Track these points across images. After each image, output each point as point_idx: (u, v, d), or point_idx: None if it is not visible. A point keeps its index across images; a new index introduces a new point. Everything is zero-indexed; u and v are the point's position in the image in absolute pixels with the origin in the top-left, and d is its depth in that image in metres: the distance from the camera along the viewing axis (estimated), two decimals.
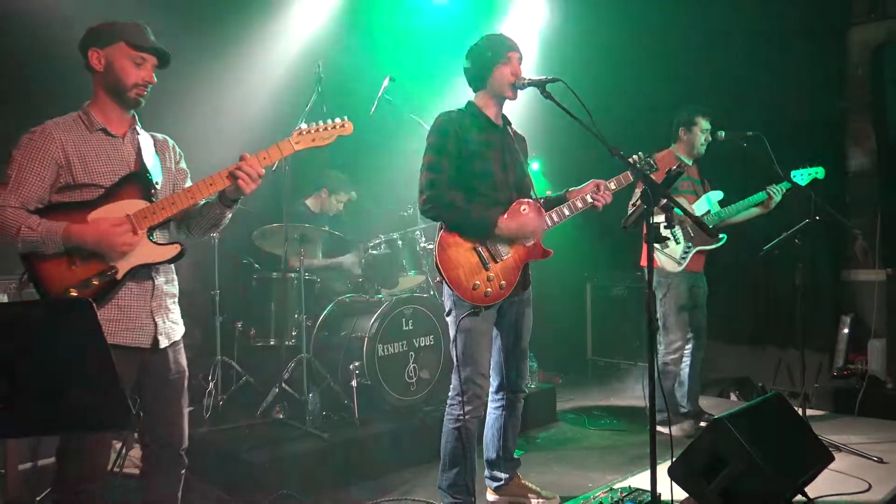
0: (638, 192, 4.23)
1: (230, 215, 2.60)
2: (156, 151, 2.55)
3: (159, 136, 2.63)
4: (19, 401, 1.70)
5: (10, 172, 2.30)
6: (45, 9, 4.35)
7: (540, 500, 3.47)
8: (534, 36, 6.71)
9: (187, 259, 2.47)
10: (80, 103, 2.47)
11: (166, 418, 2.51)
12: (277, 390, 4.31)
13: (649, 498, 2.65)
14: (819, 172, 4.42)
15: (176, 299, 2.59)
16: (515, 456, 3.55)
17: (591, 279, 6.91)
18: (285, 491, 3.49)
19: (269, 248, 4.89)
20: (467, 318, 3.05)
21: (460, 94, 3.35)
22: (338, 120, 2.59)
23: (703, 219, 4.39)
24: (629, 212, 3.85)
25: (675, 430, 4.45)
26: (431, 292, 4.92)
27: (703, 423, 4.56)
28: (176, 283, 2.60)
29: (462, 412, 3.09)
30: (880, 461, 3.86)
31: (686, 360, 4.62)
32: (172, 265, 2.55)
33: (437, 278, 3.09)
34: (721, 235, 4.46)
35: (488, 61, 3.16)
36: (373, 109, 4.80)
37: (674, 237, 4.47)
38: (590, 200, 3.17)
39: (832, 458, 3.21)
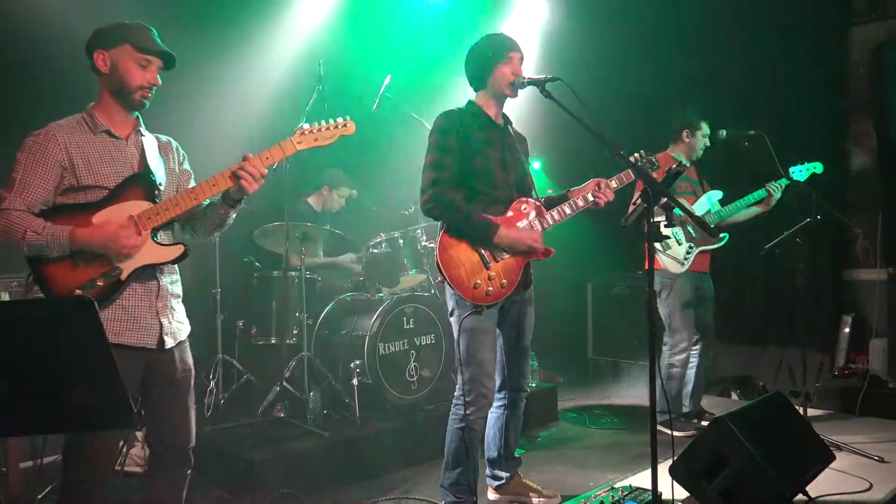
0: (638, 193, 4.24)
1: (234, 215, 2.60)
2: (159, 153, 2.56)
3: (163, 137, 2.63)
4: (20, 399, 1.70)
5: (15, 175, 2.31)
6: (47, 9, 4.35)
7: (541, 499, 3.47)
8: (534, 35, 6.71)
9: (189, 258, 2.48)
10: (84, 105, 2.47)
11: (173, 417, 2.52)
12: (278, 389, 4.32)
13: (650, 497, 2.65)
14: (817, 167, 4.42)
15: (180, 299, 2.60)
16: (516, 455, 3.56)
17: (593, 278, 6.91)
18: (286, 489, 3.50)
19: (270, 246, 4.90)
20: (470, 317, 3.05)
21: (461, 93, 3.35)
22: (340, 119, 2.60)
23: (703, 219, 4.38)
24: (629, 211, 3.85)
25: (677, 429, 4.45)
26: (432, 291, 4.92)
27: (704, 423, 4.57)
28: (179, 283, 2.60)
29: (466, 412, 3.09)
30: (881, 460, 3.86)
31: (693, 361, 4.62)
32: (176, 266, 2.55)
33: (439, 278, 3.09)
34: (723, 235, 4.46)
35: (489, 61, 3.16)
36: (374, 108, 4.80)
37: (675, 238, 4.48)
38: (591, 199, 3.17)
39: (833, 458, 3.21)
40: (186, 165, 2.68)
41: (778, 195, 4.44)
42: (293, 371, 4.44)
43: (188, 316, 2.64)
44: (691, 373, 4.62)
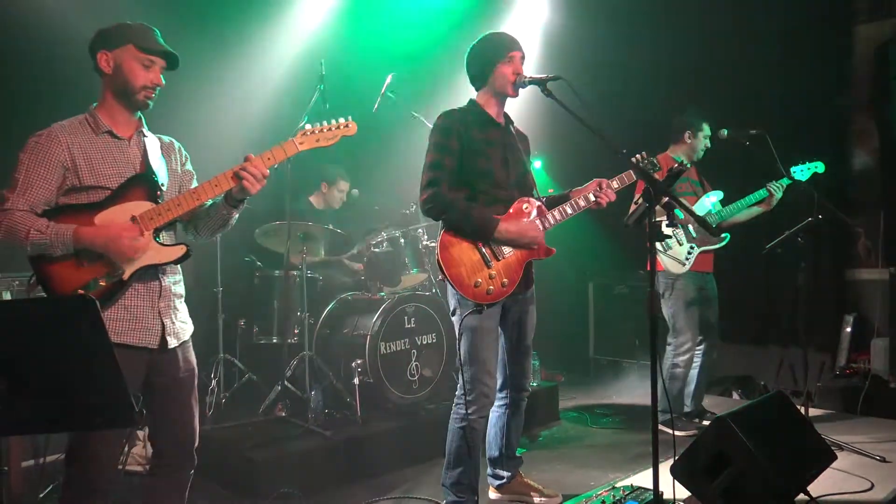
0: (640, 193, 4.24)
1: (237, 215, 2.60)
2: (162, 153, 2.56)
3: (165, 138, 2.64)
4: (23, 398, 1.70)
5: (18, 175, 2.31)
6: (48, 10, 4.36)
7: (542, 499, 3.47)
8: (536, 34, 6.71)
9: (190, 257, 2.48)
10: (86, 106, 2.47)
11: (176, 417, 2.52)
12: (280, 388, 4.32)
13: (651, 496, 2.65)
14: (819, 167, 4.42)
15: (183, 299, 2.60)
16: (518, 454, 3.56)
17: (594, 278, 6.90)
18: (287, 489, 3.50)
19: (271, 245, 4.90)
20: (471, 316, 3.05)
21: (462, 92, 3.35)
22: (342, 120, 2.60)
23: (704, 218, 4.38)
24: (631, 210, 3.85)
25: (678, 428, 4.45)
26: (434, 290, 4.92)
27: (705, 422, 4.56)
28: (182, 283, 2.61)
29: (468, 411, 3.10)
30: (883, 460, 3.86)
31: (697, 361, 4.62)
32: (179, 266, 2.55)
33: (440, 276, 3.09)
34: (724, 235, 4.46)
35: (490, 60, 3.15)
36: (375, 107, 4.80)
37: (676, 239, 4.47)
38: (592, 198, 3.17)
39: (835, 457, 3.21)
40: (189, 166, 2.69)
41: (779, 195, 4.43)
42: (294, 370, 4.45)
43: (190, 315, 2.64)
44: (694, 373, 4.62)
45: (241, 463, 3.72)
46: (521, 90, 3.16)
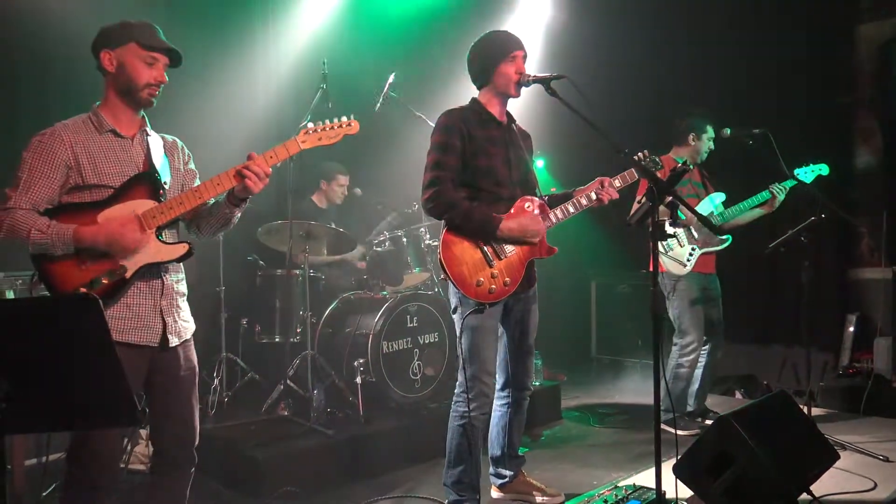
0: (642, 192, 4.23)
1: (239, 214, 2.60)
2: (165, 152, 2.56)
3: (168, 137, 2.64)
4: (26, 397, 1.71)
5: (21, 174, 2.31)
6: (50, 11, 4.36)
7: (545, 498, 3.47)
8: (539, 32, 6.71)
9: (193, 256, 2.48)
10: (91, 105, 2.47)
11: (177, 415, 2.52)
12: (282, 387, 4.32)
13: (654, 496, 2.65)
14: (823, 169, 4.42)
15: (185, 297, 2.60)
16: (520, 453, 3.56)
17: (596, 277, 6.90)
18: (290, 487, 3.50)
19: (274, 244, 4.90)
20: (472, 315, 3.05)
21: (465, 91, 3.35)
22: (344, 119, 2.60)
23: (708, 218, 4.37)
24: (633, 209, 3.83)
25: (681, 428, 4.45)
26: (436, 289, 4.92)
27: (708, 421, 4.56)
28: (184, 281, 2.61)
29: (467, 409, 3.10)
30: (886, 460, 3.86)
31: (702, 361, 4.61)
32: (181, 264, 2.55)
33: (442, 275, 3.08)
34: (726, 237, 4.46)
35: (492, 59, 3.14)
36: (377, 106, 4.80)
37: (678, 240, 4.47)
38: (594, 197, 3.17)
39: (837, 457, 3.21)
40: (192, 165, 2.69)
41: (781, 197, 4.43)
42: (297, 369, 4.45)
43: (193, 314, 2.64)
44: (698, 372, 4.62)
45: (243, 462, 3.72)
46: (523, 89, 3.16)
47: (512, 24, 6.42)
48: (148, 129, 2.54)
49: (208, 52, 5.16)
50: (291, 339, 4.65)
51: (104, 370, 1.73)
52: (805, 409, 3.88)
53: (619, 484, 3.21)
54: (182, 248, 2.46)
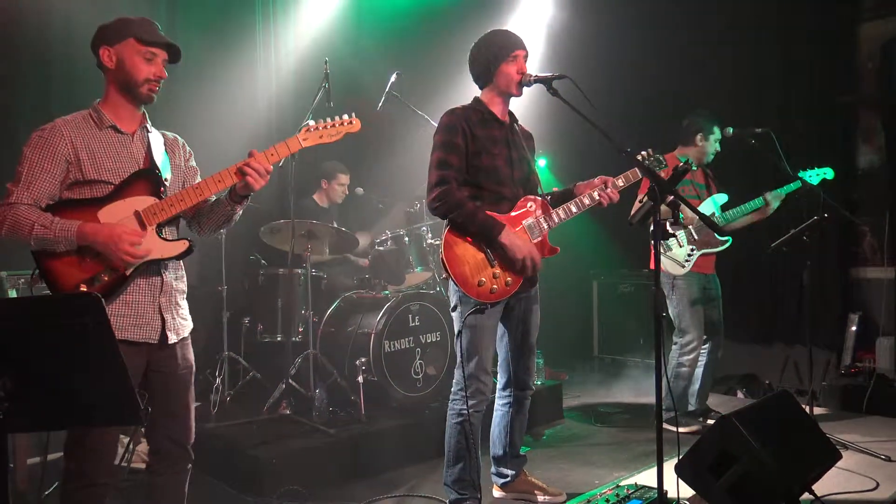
0: (644, 191, 4.23)
1: (240, 211, 2.60)
2: (165, 149, 2.56)
3: (169, 134, 2.64)
4: (29, 395, 1.71)
5: (21, 170, 2.31)
6: (52, 9, 4.37)
7: (546, 497, 3.47)
8: (541, 32, 6.70)
9: (195, 255, 2.48)
10: (90, 102, 2.48)
11: (174, 413, 2.52)
12: (284, 386, 4.32)
13: (656, 495, 2.65)
14: (828, 173, 4.41)
15: (185, 295, 2.60)
16: (522, 452, 3.56)
17: (598, 276, 6.90)
18: (292, 486, 3.50)
19: (276, 244, 4.91)
20: (472, 314, 3.05)
21: (467, 91, 3.35)
22: (345, 117, 2.60)
23: (710, 218, 4.37)
24: (634, 208, 3.83)
25: (682, 427, 4.44)
26: (438, 288, 4.92)
27: (710, 421, 4.56)
28: (184, 279, 2.61)
29: (465, 407, 3.10)
30: (888, 459, 3.85)
31: (702, 360, 4.61)
32: (181, 262, 2.55)
33: (444, 275, 3.08)
34: (726, 238, 4.46)
35: (494, 59, 3.14)
36: (379, 105, 4.80)
37: (677, 240, 4.47)
38: (596, 198, 3.16)
39: (839, 456, 3.20)
40: (193, 162, 2.69)
41: (775, 205, 4.43)
42: (299, 368, 4.45)
43: (194, 313, 2.64)
44: (699, 371, 4.62)
45: (245, 461, 3.72)
46: (525, 89, 3.16)
47: (513, 23, 6.43)
48: (148, 125, 2.54)
49: (210, 52, 5.17)
50: (293, 339, 4.65)
51: (107, 369, 1.73)
52: (807, 409, 3.88)
53: (621, 483, 3.21)
54: (182, 245, 2.46)
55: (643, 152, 3.24)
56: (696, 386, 4.63)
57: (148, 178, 2.43)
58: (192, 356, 2.59)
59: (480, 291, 3.03)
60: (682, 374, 4.55)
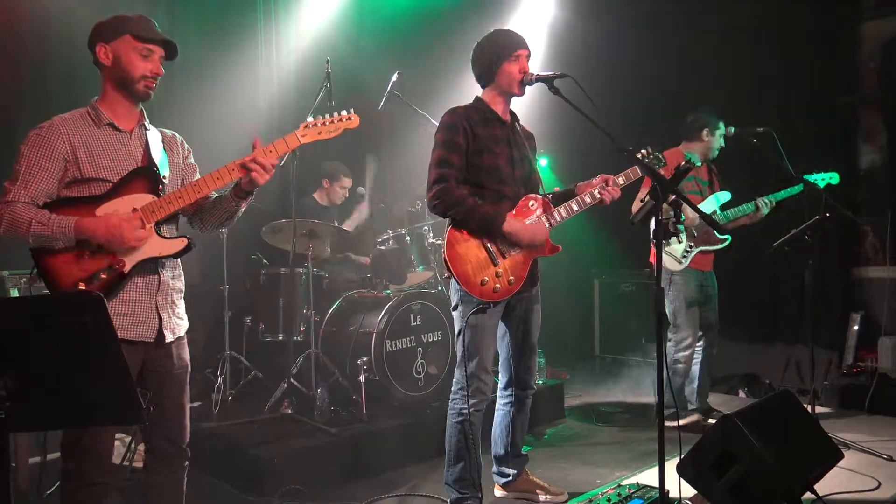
0: (646, 187, 4.23)
1: (245, 206, 2.60)
2: (164, 147, 2.55)
3: (167, 131, 2.63)
4: (31, 395, 1.71)
5: (19, 168, 2.31)
6: (53, 8, 4.37)
7: (548, 496, 3.47)
8: (542, 31, 6.70)
9: (197, 254, 2.48)
10: (88, 100, 2.48)
11: (169, 413, 2.52)
12: (286, 385, 4.32)
13: (657, 494, 2.65)
14: (833, 177, 4.42)
15: (182, 294, 2.59)
16: (523, 452, 3.56)
17: (600, 275, 6.89)
18: (293, 486, 3.50)
19: (277, 243, 4.91)
20: (474, 314, 3.05)
21: (468, 90, 3.35)
22: (343, 113, 2.59)
23: (712, 217, 4.37)
24: (636, 207, 3.83)
25: (684, 428, 4.44)
26: (439, 288, 4.92)
27: (711, 420, 4.56)
28: (182, 278, 2.60)
29: (465, 406, 3.10)
30: (890, 459, 3.85)
31: (697, 357, 4.62)
32: (178, 260, 2.55)
33: (446, 274, 3.08)
34: (726, 237, 4.46)
35: (496, 58, 3.14)
36: (381, 105, 4.80)
37: (677, 236, 4.47)
38: (598, 196, 3.17)
39: (841, 456, 3.19)
40: (191, 159, 2.68)
41: (765, 211, 4.44)
42: (300, 368, 4.45)
43: (196, 312, 2.64)
44: (696, 369, 4.62)
45: (246, 460, 3.72)
46: (527, 88, 3.16)
47: (515, 22, 6.42)
48: (146, 123, 2.53)
49: (211, 51, 5.17)
50: (295, 338, 4.65)
51: (108, 368, 1.73)
52: (809, 408, 3.87)
53: (623, 482, 3.21)
54: (181, 243, 2.45)
55: (643, 150, 3.24)
56: (694, 385, 4.64)
57: (146, 175, 2.43)
58: (187, 356, 2.59)
59: (483, 290, 3.03)
60: (679, 370, 4.56)
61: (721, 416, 2.95)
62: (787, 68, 5.73)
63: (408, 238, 4.80)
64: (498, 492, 3.55)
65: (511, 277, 3.08)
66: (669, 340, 4.60)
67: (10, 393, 1.67)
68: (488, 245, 3.06)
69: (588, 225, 6.00)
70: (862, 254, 5.67)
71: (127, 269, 2.35)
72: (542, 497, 3.47)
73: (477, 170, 3.10)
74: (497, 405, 3.48)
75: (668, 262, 4.48)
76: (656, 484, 2.62)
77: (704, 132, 4.57)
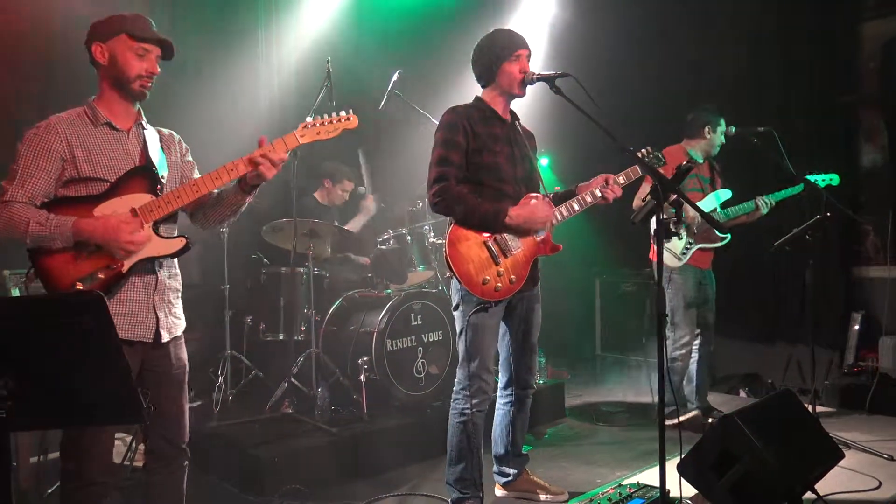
0: (646, 186, 4.23)
1: (249, 201, 2.60)
2: (161, 146, 2.55)
3: (165, 130, 2.63)
4: (31, 395, 1.71)
5: (16, 167, 2.31)
6: (53, 7, 4.37)
7: (549, 496, 3.47)
8: (543, 31, 6.70)
9: (197, 254, 2.48)
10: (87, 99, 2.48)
11: (167, 412, 2.51)
12: (286, 385, 4.32)
13: (658, 494, 2.65)
14: (834, 179, 4.43)
15: (179, 294, 2.59)
16: (524, 451, 3.56)
17: (600, 275, 6.89)
18: (294, 485, 3.50)
19: (278, 242, 4.91)
20: (476, 313, 3.05)
21: (469, 90, 3.35)
22: (343, 113, 2.59)
23: (712, 216, 4.37)
24: (636, 206, 3.82)
25: (684, 426, 4.44)
26: (440, 287, 4.92)
27: (712, 420, 4.56)
28: (179, 277, 2.60)
29: (467, 406, 3.10)
30: (890, 459, 3.85)
31: (694, 356, 4.62)
32: (175, 260, 2.54)
33: (448, 274, 3.08)
34: (726, 235, 4.46)
35: (496, 58, 3.14)
36: (381, 104, 4.80)
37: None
38: (599, 195, 3.17)
39: (842, 456, 3.19)
40: (189, 157, 2.68)
41: (765, 211, 4.45)
42: (301, 367, 4.45)
43: (197, 312, 2.65)
44: (693, 367, 4.63)
45: (247, 460, 3.72)
46: (528, 87, 3.16)
47: (516, 22, 6.42)
48: (144, 122, 2.53)
49: (212, 51, 5.17)
50: (295, 337, 4.65)
51: (109, 367, 1.73)
52: (809, 408, 3.87)
53: (623, 482, 3.21)
54: (179, 243, 2.45)
55: (643, 150, 3.24)
56: (693, 384, 4.64)
57: (144, 175, 2.43)
58: (185, 356, 2.59)
59: (485, 290, 3.03)
60: (676, 368, 4.56)
61: (722, 416, 2.95)
62: (787, 68, 5.72)
63: (408, 237, 4.80)
64: (498, 491, 3.55)
65: (512, 276, 3.08)
66: (667, 338, 4.60)
67: (10, 393, 1.67)
68: (490, 244, 3.06)
69: (589, 224, 6.00)
70: (863, 253, 5.67)
71: (125, 268, 2.35)
72: (542, 497, 3.47)
73: (477, 168, 3.10)
74: (497, 405, 3.48)
75: (667, 258, 4.47)
76: (657, 483, 2.63)
77: (706, 129, 4.57)
